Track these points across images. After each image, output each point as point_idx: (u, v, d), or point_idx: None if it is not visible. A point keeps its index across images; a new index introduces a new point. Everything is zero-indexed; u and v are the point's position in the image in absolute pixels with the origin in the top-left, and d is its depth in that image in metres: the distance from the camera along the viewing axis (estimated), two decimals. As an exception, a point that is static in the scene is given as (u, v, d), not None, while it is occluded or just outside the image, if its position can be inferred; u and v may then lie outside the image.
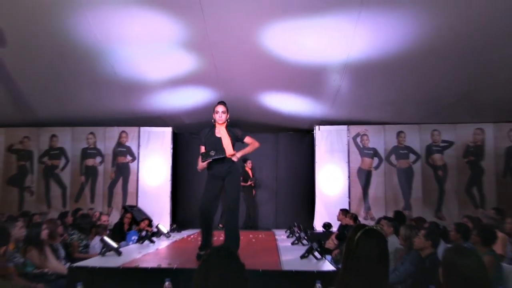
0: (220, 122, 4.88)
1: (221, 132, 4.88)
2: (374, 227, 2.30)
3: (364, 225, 2.32)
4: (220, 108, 4.91)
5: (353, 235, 2.24)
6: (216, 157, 4.72)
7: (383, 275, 2.17)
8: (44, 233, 5.00)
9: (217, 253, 2.04)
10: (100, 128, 10.25)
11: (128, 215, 8.23)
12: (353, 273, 2.15)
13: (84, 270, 4.13)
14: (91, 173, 10.16)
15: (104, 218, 7.32)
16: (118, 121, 9.97)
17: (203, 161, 4.76)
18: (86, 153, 10.23)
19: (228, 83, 8.23)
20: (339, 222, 8.19)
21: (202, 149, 4.93)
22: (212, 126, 4.98)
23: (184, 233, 8.19)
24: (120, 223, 8.07)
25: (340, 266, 2.38)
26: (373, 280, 2.12)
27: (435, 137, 9.82)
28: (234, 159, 4.88)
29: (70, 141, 10.24)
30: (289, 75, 7.76)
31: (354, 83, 8.02)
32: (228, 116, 4.96)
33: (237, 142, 5.01)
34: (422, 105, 8.77)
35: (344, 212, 8.24)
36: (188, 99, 9.06)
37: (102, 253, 4.94)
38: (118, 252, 4.96)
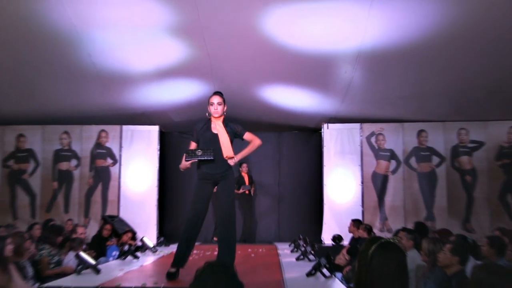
0: (216, 115, 4.85)
1: (217, 127, 4.85)
2: (391, 240, 2.28)
3: (379, 238, 2.30)
4: (216, 99, 4.88)
5: (366, 249, 2.23)
6: (202, 158, 4.67)
7: None
8: (9, 249, 4.95)
9: (211, 270, 2.01)
10: (76, 127, 10.23)
11: (108, 226, 8.21)
12: None
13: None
14: (65, 178, 10.13)
15: (80, 230, 7.29)
16: (96, 118, 9.95)
17: (186, 160, 4.72)
18: (60, 156, 10.21)
19: (223, 75, 8.21)
20: (351, 235, 8.16)
21: (192, 145, 4.91)
22: (207, 120, 4.95)
23: (173, 247, 8.16)
24: (98, 236, 8.06)
25: (352, 285, 2.37)
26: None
27: (463, 137, 9.81)
28: (231, 163, 4.84)
29: (40, 141, 10.21)
30: (293, 65, 7.74)
31: (368, 75, 7.99)
32: (225, 108, 4.93)
33: (235, 138, 4.97)
34: (447, 99, 8.75)
35: (356, 223, 8.20)
36: (177, 93, 9.03)
37: (77, 271, 4.93)
38: (96, 270, 4.95)
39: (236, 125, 4.99)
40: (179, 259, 4.78)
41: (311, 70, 7.90)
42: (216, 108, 4.85)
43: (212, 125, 4.89)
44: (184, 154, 4.76)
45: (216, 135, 4.83)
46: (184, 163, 4.77)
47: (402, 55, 7.12)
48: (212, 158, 4.66)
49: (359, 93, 8.62)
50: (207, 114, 4.97)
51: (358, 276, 2.23)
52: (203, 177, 4.83)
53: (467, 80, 7.89)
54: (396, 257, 2.20)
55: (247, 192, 10.37)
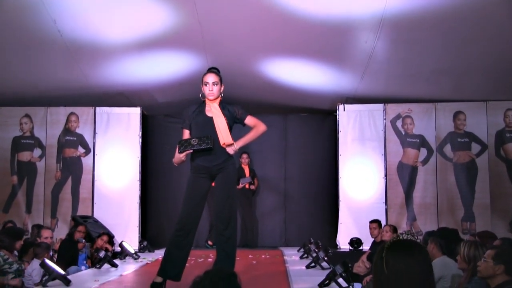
0: (211, 97, 4.87)
1: (212, 110, 4.86)
2: (403, 236, 2.32)
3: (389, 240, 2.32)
4: (211, 78, 4.90)
5: (379, 256, 2.25)
6: (198, 147, 4.68)
7: None
8: None
9: (211, 280, 2.03)
10: (39, 109, 10.22)
11: (81, 228, 8.24)
12: None
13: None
14: (26, 171, 10.15)
15: (45, 233, 7.31)
16: (64, 99, 9.94)
17: (180, 152, 4.73)
18: (19, 144, 10.21)
19: (217, 46, 8.20)
20: (371, 238, 8.21)
21: (186, 134, 4.90)
22: (200, 103, 4.96)
23: (159, 253, 8.22)
24: (69, 240, 8.08)
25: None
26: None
27: (510, 119, 9.80)
28: (230, 151, 4.84)
29: (-5, 126, 10.23)
30: (303, 34, 7.72)
31: (393, 45, 7.97)
32: (222, 88, 4.95)
33: (235, 123, 4.98)
34: (490, 74, 8.74)
35: (377, 223, 8.29)
36: (162, 68, 9.02)
37: (43, 283, 4.96)
38: (65, 281, 4.98)
39: (236, 107, 4.98)
40: (169, 268, 4.79)
41: (324, 39, 7.88)
42: (211, 88, 4.86)
43: (206, 108, 4.90)
44: (177, 145, 4.76)
45: (210, 119, 4.83)
46: (178, 156, 4.77)
47: (435, 20, 7.10)
48: (210, 146, 4.66)
49: (383, 67, 8.60)
50: (200, 95, 4.98)
51: (377, 286, 2.25)
52: (198, 171, 4.84)
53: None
54: (414, 256, 2.22)
55: (247, 186, 10.39)
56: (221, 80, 4.96)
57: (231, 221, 4.82)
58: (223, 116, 4.83)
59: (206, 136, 4.69)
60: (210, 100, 4.88)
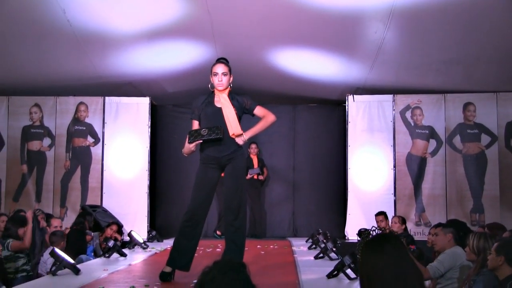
0: (221, 88, 4.87)
1: (222, 100, 4.86)
2: (372, 231, 2.35)
3: (365, 231, 2.35)
4: (220, 68, 4.88)
5: (359, 250, 2.28)
6: (208, 137, 4.68)
7: None
8: None
9: (221, 270, 2.03)
10: (49, 98, 10.25)
11: (88, 217, 8.26)
12: None
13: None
14: (36, 160, 10.19)
15: (55, 222, 7.36)
16: (74, 88, 9.96)
17: (190, 142, 4.73)
18: (29, 133, 10.25)
19: (226, 36, 8.18)
20: (380, 231, 8.22)
21: (195, 124, 4.90)
22: (209, 93, 4.96)
23: (167, 243, 8.26)
24: (77, 230, 8.11)
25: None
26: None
27: (521, 111, 9.75)
28: (240, 141, 4.84)
29: (4, 116, 10.24)
30: (312, 25, 7.69)
31: (403, 35, 7.93)
32: (231, 79, 4.94)
33: (244, 114, 4.98)
34: (501, 65, 8.68)
35: (384, 215, 8.36)
36: (171, 58, 9.02)
37: (52, 272, 4.99)
38: (75, 270, 5.01)
39: (245, 97, 4.98)
40: (177, 258, 4.81)
41: (334, 29, 7.84)
42: (221, 79, 4.85)
43: (215, 99, 4.90)
44: (187, 136, 4.77)
45: (219, 109, 4.83)
46: (188, 147, 4.78)
47: (444, 10, 7.05)
48: (220, 136, 4.67)
49: (392, 57, 8.56)
50: (209, 86, 4.96)
51: (361, 282, 2.28)
52: (207, 161, 4.84)
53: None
54: (384, 253, 2.24)
55: (255, 177, 10.39)
56: (230, 70, 4.95)
57: (240, 211, 4.84)
58: (232, 107, 4.83)
59: (216, 127, 4.69)
60: (219, 90, 4.87)
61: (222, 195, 9.11)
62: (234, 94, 4.96)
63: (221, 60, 4.99)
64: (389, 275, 2.21)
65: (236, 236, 4.84)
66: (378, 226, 8.24)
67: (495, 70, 8.91)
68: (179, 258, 4.81)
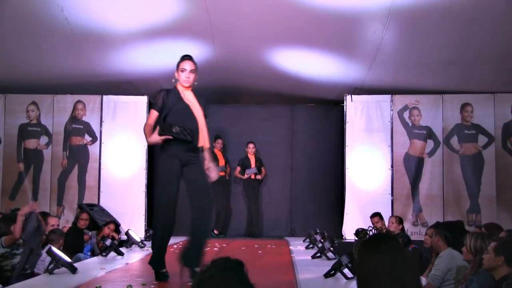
0: (187, 84, 4.89)
1: (190, 98, 4.89)
2: (369, 231, 2.36)
3: (363, 231, 2.36)
4: (188, 65, 4.88)
5: (356, 250, 2.28)
6: (178, 137, 4.70)
7: None
8: None
9: (219, 269, 2.03)
10: (46, 97, 10.23)
11: (84, 215, 8.20)
12: None
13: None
14: (33, 159, 10.17)
15: (52, 221, 7.34)
16: (71, 86, 9.95)
17: (159, 135, 4.73)
18: (26, 131, 10.23)
19: (225, 35, 8.18)
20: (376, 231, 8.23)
21: (154, 115, 4.85)
22: (173, 88, 4.96)
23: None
24: (73, 228, 8.11)
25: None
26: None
27: (518, 111, 9.77)
28: (205, 156, 4.91)
29: (1, 113, 10.21)
30: (311, 24, 7.69)
31: (401, 36, 7.93)
32: (196, 77, 4.94)
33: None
34: (499, 66, 8.69)
35: (378, 216, 8.38)
36: (169, 57, 8.96)
37: (49, 270, 4.98)
38: (72, 269, 5.01)
39: (205, 104, 5.02)
40: (162, 259, 4.85)
41: (332, 29, 7.85)
42: (188, 76, 4.86)
43: (182, 95, 4.91)
44: (158, 127, 4.79)
45: (188, 107, 4.85)
46: (156, 138, 4.76)
47: (443, 11, 7.06)
48: (190, 140, 4.71)
49: (391, 58, 8.56)
50: (173, 80, 4.98)
51: (358, 282, 2.28)
52: (173, 154, 4.81)
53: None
54: (380, 253, 2.25)
55: (253, 176, 10.40)
56: (197, 68, 4.94)
57: (211, 208, 4.91)
58: (199, 107, 4.88)
59: (189, 130, 4.71)
60: (185, 87, 4.90)
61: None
62: (200, 95, 4.99)
63: (188, 56, 4.96)
64: (386, 275, 2.21)
65: (206, 234, 4.92)
66: (375, 227, 8.24)
67: (492, 71, 8.92)
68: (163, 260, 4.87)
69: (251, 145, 10.54)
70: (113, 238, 7.45)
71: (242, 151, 10.68)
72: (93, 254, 7.56)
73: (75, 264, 5.18)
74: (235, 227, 10.86)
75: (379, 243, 2.29)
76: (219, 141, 10.56)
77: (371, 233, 2.26)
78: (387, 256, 2.24)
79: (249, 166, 10.42)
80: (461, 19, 7.29)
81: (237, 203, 10.95)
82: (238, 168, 10.48)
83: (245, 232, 10.54)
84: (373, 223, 8.39)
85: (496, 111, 9.78)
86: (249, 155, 10.51)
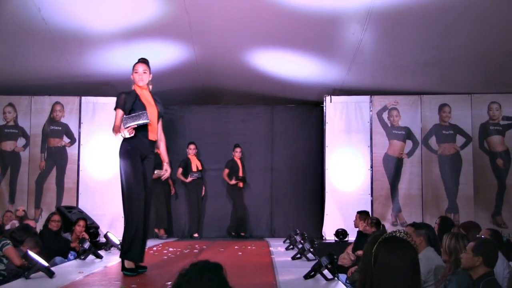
0: (141, 83, 5.31)
1: (147, 97, 5.30)
2: (397, 234, 2.31)
3: (382, 233, 2.32)
4: (141, 68, 5.36)
5: (369, 249, 2.25)
6: (141, 121, 5.01)
7: None
8: None
9: (197, 272, 2.00)
10: (24, 98, 10.13)
11: (55, 217, 7.93)
12: None
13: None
14: (10, 161, 10.06)
15: (30, 223, 7.25)
16: (49, 88, 9.86)
17: (126, 127, 5.00)
18: (3, 133, 10.12)
19: (205, 36, 8.15)
20: (357, 229, 8.22)
21: (120, 114, 5.21)
22: (131, 90, 5.34)
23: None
24: (45, 231, 7.87)
25: (357, 289, 2.39)
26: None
27: (494, 112, 9.85)
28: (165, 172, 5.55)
29: (-23, 115, 10.13)
30: (290, 25, 7.69)
31: (380, 37, 7.96)
32: (150, 77, 5.41)
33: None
34: (476, 68, 8.77)
35: (363, 215, 8.27)
36: (149, 58, 8.90)
37: (25, 275, 4.91)
38: (49, 273, 4.93)
39: (161, 104, 5.43)
40: (141, 253, 5.15)
41: (312, 31, 7.86)
42: (141, 76, 5.31)
43: (139, 93, 5.30)
44: (122, 120, 5.10)
45: (144, 107, 5.20)
46: (123, 130, 5.05)
47: (421, 13, 7.10)
48: (148, 120, 5.06)
49: (370, 59, 8.60)
50: (131, 79, 5.39)
51: (363, 281, 2.24)
52: (135, 148, 5.17)
53: (500, 44, 7.89)
54: (404, 254, 2.22)
55: (240, 184, 10.39)
56: (149, 69, 5.42)
57: (150, 210, 5.43)
58: (155, 106, 5.29)
59: (141, 112, 5.09)
60: (140, 86, 5.30)
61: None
62: (155, 96, 5.42)
63: (142, 59, 5.46)
64: (404, 276, 2.18)
65: (145, 235, 5.21)
66: (358, 226, 8.16)
67: (470, 72, 9.00)
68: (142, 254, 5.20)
69: (238, 150, 10.46)
70: (83, 239, 7.29)
71: (221, 153, 10.65)
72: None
73: (52, 268, 5.10)
74: (216, 228, 10.81)
75: (405, 246, 2.26)
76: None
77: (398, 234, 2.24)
78: (408, 260, 2.22)
79: (236, 170, 10.37)
80: (439, 21, 7.34)
81: (217, 204, 10.90)
82: (226, 171, 10.42)
83: (226, 232, 10.49)
84: (355, 220, 8.29)
85: (473, 112, 9.86)
86: (236, 159, 10.44)
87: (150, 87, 5.45)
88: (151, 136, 5.21)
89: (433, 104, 9.96)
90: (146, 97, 5.29)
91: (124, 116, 5.11)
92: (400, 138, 9.94)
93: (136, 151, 5.16)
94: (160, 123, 5.40)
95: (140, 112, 5.07)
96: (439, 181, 9.82)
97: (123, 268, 5.09)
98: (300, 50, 8.62)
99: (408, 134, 9.93)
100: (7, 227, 8.20)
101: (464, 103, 9.89)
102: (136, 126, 5.00)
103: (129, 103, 5.20)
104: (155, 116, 5.26)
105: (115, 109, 5.31)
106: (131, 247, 5.04)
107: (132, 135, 5.03)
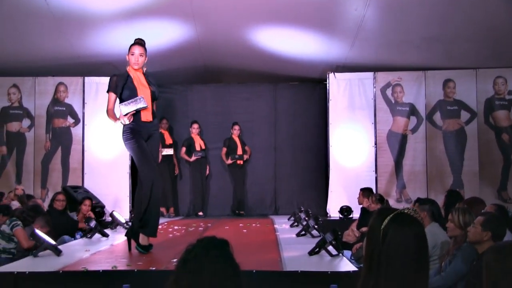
0: (136, 66, 5.27)
1: (140, 80, 5.28)
2: (406, 211, 2.31)
3: (391, 210, 2.32)
4: (138, 50, 5.28)
5: (377, 225, 2.24)
6: (139, 106, 5.04)
7: (422, 278, 2.18)
8: None
9: (204, 247, 2.02)
10: (28, 79, 10.13)
11: (60, 196, 7.98)
12: (380, 275, 2.15)
13: (7, 277, 4.12)
14: (16, 142, 10.10)
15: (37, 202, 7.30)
16: (53, 68, 9.85)
17: (125, 114, 5.02)
18: (8, 114, 10.14)
19: (206, 15, 8.11)
20: (361, 206, 8.25)
21: (113, 98, 5.23)
22: (124, 71, 5.34)
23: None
24: (50, 210, 7.90)
25: (362, 265, 2.39)
26: (407, 285, 2.13)
27: (499, 87, 9.79)
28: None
29: (-18, 97, 10.14)
30: (292, 2, 7.66)
31: (383, 12, 7.91)
32: (146, 60, 5.34)
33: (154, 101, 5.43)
34: (481, 42, 8.71)
35: (366, 192, 8.30)
36: (150, 38, 8.86)
37: (33, 253, 4.96)
38: (56, 251, 4.98)
39: (156, 87, 5.44)
40: (155, 228, 5.28)
41: (314, 7, 7.81)
42: (137, 59, 5.25)
43: (133, 75, 5.28)
44: (120, 108, 5.09)
45: (136, 89, 5.21)
46: (122, 118, 5.06)
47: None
48: (146, 105, 5.10)
49: (373, 35, 8.56)
50: (126, 60, 5.35)
51: (369, 258, 2.24)
52: (139, 131, 5.21)
53: (506, 17, 7.83)
54: (414, 231, 2.22)
55: (240, 162, 10.41)
56: (146, 52, 5.34)
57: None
58: (148, 87, 5.29)
59: (137, 97, 5.11)
60: (135, 69, 5.27)
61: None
62: (149, 77, 5.41)
63: (139, 40, 5.36)
64: (413, 253, 2.19)
65: (156, 210, 5.32)
66: (362, 203, 8.18)
67: (475, 47, 8.94)
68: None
69: (236, 127, 10.45)
70: (89, 218, 7.35)
71: (224, 132, 10.65)
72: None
73: (59, 247, 5.15)
74: (220, 206, 10.87)
75: (415, 224, 2.26)
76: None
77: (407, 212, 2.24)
78: (418, 239, 2.22)
79: (235, 148, 10.38)
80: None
81: (221, 183, 10.95)
82: (224, 150, 10.44)
83: (230, 211, 10.55)
84: (358, 197, 8.32)
85: (478, 87, 9.81)
86: (234, 137, 10.45)
87: (145, 69, 5.42)
88: (146, 117, 5.22)
89: (437, 80, 9.90)
90: (139, 79, 5.28)
91: (121, 104, 5.11)
92: (404, 115, 9.91)
93: (137, 132, 5.18)
94: (154, 104, 5.47)
95: (137, 98, 5.07)
96: (443, 157, 9.80)
97: (138, 244, 5.14)
98: (302, 27, 8.58)
99: (412, 110, 9.90)
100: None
101: (469, 78, 9.82)
102: (134, 111, 5.04)
103: (120, 85, 5.21)
104: (149, 97, 5.25)
105: (107, 91, 5.30)
106: (148, 222, 5.13)
107: (131, 120, 5.07)
